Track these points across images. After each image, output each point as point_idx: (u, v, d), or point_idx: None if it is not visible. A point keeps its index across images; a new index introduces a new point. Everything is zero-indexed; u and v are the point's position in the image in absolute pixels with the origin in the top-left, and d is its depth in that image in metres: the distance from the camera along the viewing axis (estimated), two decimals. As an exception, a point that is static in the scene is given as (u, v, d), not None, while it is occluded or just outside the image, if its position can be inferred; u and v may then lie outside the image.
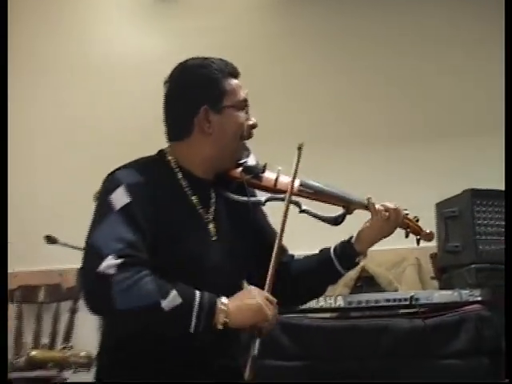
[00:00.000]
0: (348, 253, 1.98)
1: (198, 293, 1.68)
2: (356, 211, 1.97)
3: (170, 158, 1.91)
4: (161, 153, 1.93)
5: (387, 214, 1.95)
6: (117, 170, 1.84)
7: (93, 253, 1.68)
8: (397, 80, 4.15)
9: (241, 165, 1.96)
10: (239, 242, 1.92)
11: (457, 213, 3.16)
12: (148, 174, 1.83)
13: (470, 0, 4.15)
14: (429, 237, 2.01)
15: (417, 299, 2.76)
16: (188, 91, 1.89)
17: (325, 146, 3.88)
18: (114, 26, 4.42)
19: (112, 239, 1.69)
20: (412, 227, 2.00)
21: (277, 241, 1.83)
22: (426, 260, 3.50)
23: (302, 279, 2.03)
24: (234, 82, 1.90)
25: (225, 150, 1.90)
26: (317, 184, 2.00)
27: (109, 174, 1.83)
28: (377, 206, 1.96)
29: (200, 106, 1.86)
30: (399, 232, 1.97)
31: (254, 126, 1.94)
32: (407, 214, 1.99)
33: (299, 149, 1.90)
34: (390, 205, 1.97)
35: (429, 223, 2.19)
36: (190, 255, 1.81)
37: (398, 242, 2.09)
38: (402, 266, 3.51)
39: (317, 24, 4.25)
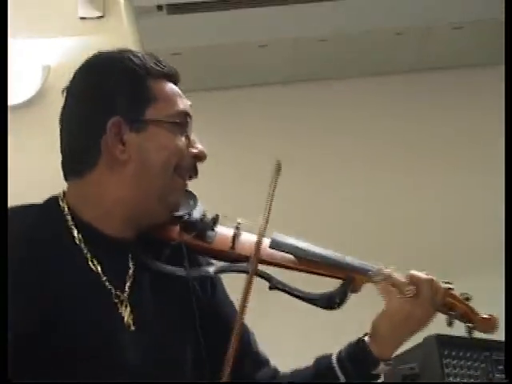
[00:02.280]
0: (360, 360, 1.34)
1: None
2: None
3: (62, 204, 1.33)
4: (50, 200, 1.35)
5: (414, 288, 1.32)
6: None
7: None
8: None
9: (180, 218, 1.35)
10: (176, 336, 1.32)
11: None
12: (17, 232, 1.26)
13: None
14: (489, 324, 1.36)
15: None
16: (90, 97, 1.31)
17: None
18: None
19: None
20: (461, 308, 1.35)
21: (236, 327, 1.22)
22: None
23: None
24: (169, 86, 1.34)
25: (149, 189, 1.30)
26: (296, 243, 1.38)
27: None
28: (396, 277, 1.34)
29: (109, 118, 1.28)
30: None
31: (199, 157, 1.35)
32: (450, 289, 1.36)
33: (277, 170, 1.27)
34: (420, 274, 1.34)
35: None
36: (93, 348, 1.24)
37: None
38: None
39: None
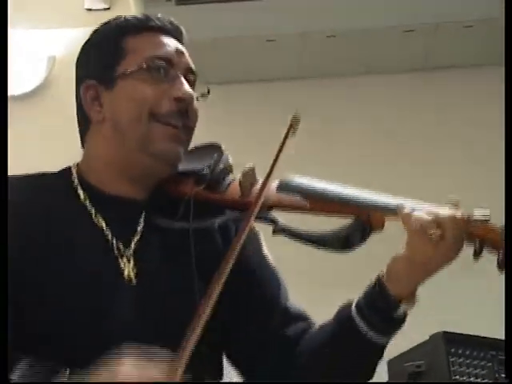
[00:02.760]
0: (379, 303, 1.24)
1: None
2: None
3: (72, 170, 1.38)
4: (64, 168, 1.40)
5: (438, 231, 1.19)
6: None
7: None
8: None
9: (192, 173, 1.32)
10: (185, 296, 1.25)
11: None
12: (30, 192, 1.31)
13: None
14: None
15: None
16: (77, 69, 1.39)
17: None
18: None
19: None
20: (487, 237, 1.20)
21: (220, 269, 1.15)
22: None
23: (315, 365, 1.30)
24: (146, 36, 1.33)
25: (129, 142, 1.30)
26: (306, 182, 1.31)
27: None
28: (416, 215, 1.21)
29: (82, 83, 1.35)
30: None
31: (180, 99, 1.31)
32: (474, 220, 1.21)
33: (291, 126, 1.24)
34: (443, 212, 1.21)
35: None
36: (93, 299, 1.24)
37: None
38: None
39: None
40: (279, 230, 1.27)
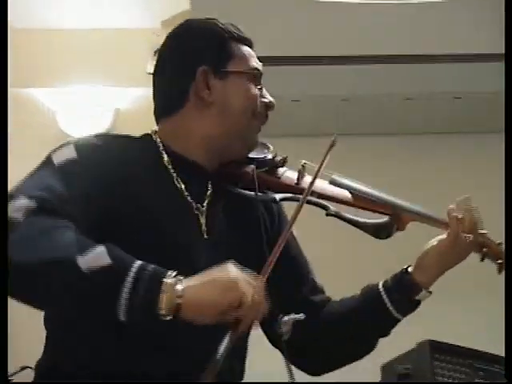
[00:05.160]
0: (405, 286, 1.51)
1: (138, 261, 1.21)
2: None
3: (155, 138, 1.53)
4: (144, 135, 1.56)
5: (471, 237, 1.48)
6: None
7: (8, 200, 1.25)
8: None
9: (255, 159, 1.56)
10: (242, 255, 1.36)
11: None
12: (119, 149, 1.46)
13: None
14: None
15: None
16: (182, 51, 1.54)
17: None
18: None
19: (34, 186, 1.30)
20: (491, 248, 1.53)
21: (286, 229, 1.39)
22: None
23: (336, 329, 1.56)
24: (245, 48, 1.58)
25: (231, 128, 1.51)
26: (353, 184, 1.56)
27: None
28: (461, 219, 1.50)
29: (197, 66, 1.51)
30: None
31: (269, 106, 1.57)
32: (485, 233, 1.54)
33: (332, 146, 1.47)
34: (472, 219, 1.50)
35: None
36: (170, 247, 1.38)
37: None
38: None
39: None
40: (331, 213, 1.51)
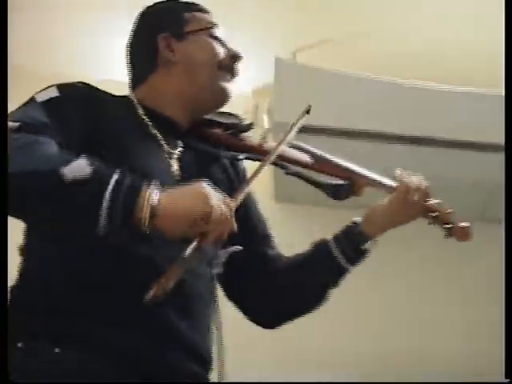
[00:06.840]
0: (352, 235, 1.59)
1: (118, 170, 1.29)
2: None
3: (132, 98, 1.62)
4: (122, 96, 1.63)
5: (416, 197, 1.56)
6: None
7: None
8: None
9: (221, 124, 1.66)
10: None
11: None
12: (99, 92, 1.55)
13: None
14: (464, 232, 1.58)
15: None
16: (145, 27, 1.68)
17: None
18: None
19: (18, 116, 1.36)
20: (441, 212, 1.58)
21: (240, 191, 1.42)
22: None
23: (287, 279, 1.63)
24: (199, 12, 1.69)
25: (198, 81, 1.61)
26: (313, 149, 1.64)
27: None
28: (407, 181, 1.58)
29: (158, 35, 1.64)
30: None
31: (235, 57, 1.66)
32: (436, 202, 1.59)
33: (307, 112, 1.56)
34: (419, 183, 1.58)
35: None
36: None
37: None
38: None
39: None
40: (291, 171, 1.61)
